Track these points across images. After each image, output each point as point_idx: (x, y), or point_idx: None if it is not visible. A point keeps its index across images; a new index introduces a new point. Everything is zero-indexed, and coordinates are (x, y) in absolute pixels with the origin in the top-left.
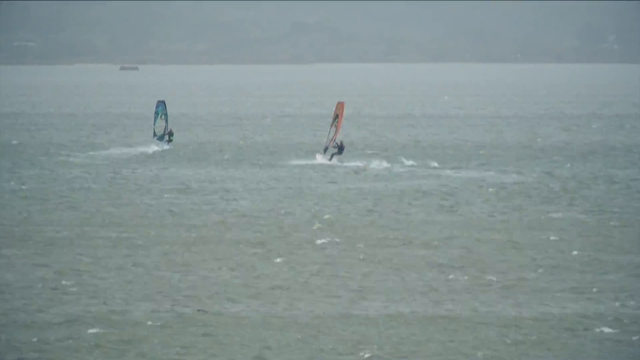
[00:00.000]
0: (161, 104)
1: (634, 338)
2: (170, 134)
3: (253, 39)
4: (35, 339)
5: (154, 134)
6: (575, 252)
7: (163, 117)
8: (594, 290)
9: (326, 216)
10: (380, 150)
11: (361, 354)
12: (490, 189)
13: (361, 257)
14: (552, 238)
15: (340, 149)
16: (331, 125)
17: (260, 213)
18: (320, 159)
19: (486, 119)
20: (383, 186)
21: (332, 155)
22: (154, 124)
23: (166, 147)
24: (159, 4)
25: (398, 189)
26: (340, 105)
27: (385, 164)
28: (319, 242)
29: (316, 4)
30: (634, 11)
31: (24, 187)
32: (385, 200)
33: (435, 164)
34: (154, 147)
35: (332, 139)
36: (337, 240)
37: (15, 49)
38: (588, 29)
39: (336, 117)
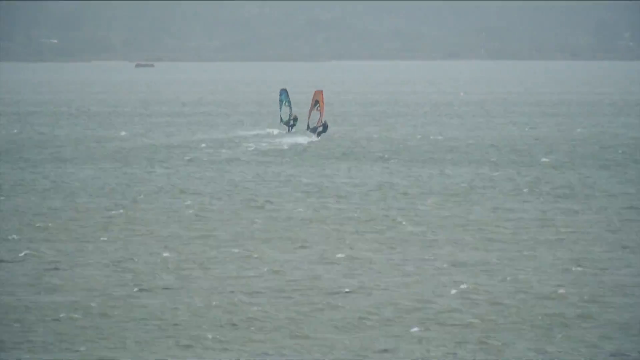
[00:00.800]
0: (284, 92)
1: None
2: (295, 119)
3: (268, 35)
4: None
5: (281, 120)
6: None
7: (287, 104)
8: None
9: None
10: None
11: None
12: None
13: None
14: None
15: (325, 127)
16: (312, 110)
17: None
18: (307, 137)
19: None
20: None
21: (319, 134)
22: (280, 111)
23: (291, 130)
24: (174, 2)
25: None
26: (318, 92)
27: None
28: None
29: (331, 1)
30: None
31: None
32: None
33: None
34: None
35: (318, 120)
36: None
37: (36, 46)
38: (603, 26)
39: (316, 102)
